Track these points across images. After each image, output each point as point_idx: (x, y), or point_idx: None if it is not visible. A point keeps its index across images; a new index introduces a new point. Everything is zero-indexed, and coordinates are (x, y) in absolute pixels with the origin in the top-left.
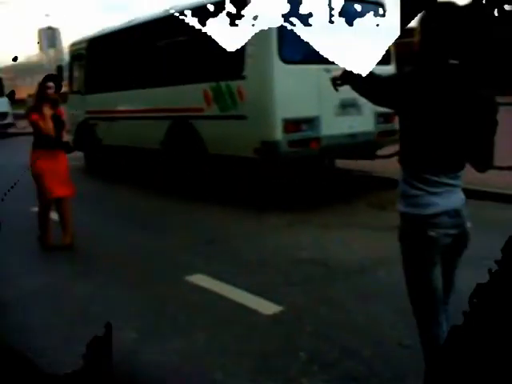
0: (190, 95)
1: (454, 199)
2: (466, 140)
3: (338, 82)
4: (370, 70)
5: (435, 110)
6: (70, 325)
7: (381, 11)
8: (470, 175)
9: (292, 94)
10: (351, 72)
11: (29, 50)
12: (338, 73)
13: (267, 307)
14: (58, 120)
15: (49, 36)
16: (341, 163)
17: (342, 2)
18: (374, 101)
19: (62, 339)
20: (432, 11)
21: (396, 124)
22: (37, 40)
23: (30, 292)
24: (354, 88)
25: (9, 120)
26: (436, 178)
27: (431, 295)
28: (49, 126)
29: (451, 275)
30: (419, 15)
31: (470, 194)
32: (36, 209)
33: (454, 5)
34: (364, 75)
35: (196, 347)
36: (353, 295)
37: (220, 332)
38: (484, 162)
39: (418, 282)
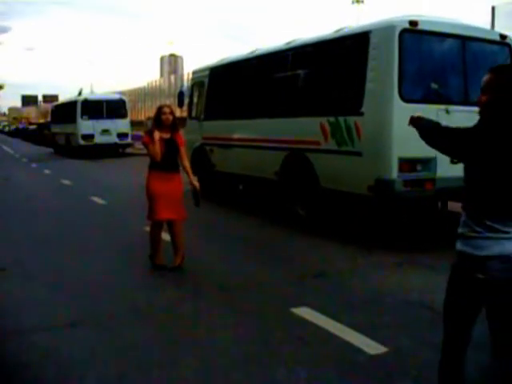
0: (307, 128)
1: (508, 246)
2: None
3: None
4: (437, 121)
5: (502, 162)
6: (174, 344)
7: (507, 51)
8: None
9: (410, 133)
10: (422, 119)
11: (151, 75)
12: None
13: (372, 347)
14: (171, 144)
15: (171, 62)
16: (454, 206)
17: (466, 41)
18: (441, 150)
19: (167, 359)
20: (499, 74)
21: None
22: (159, 66)
23: (133, 308)
24: (421, 136)
25: (129, 140)
26: (495, 225)
27: (462, 334)
28: (156, 149)
29: (495, 324)
30: (485, 77)
31: None
32: (148, 228)
33: None
34: (432, 126)
35: (298, 380)
36: None
37: (322, 367)
38: None
39: (454, 316)
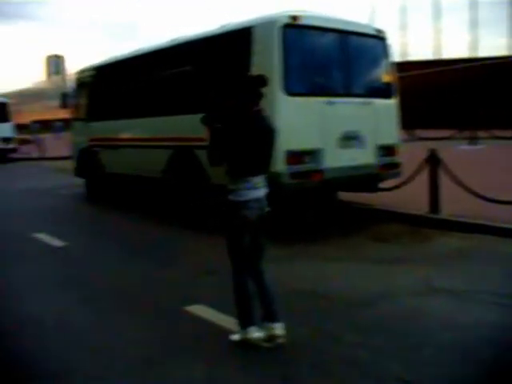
0: (193, 125)
1: (259, 191)
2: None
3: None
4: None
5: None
6: (67, 352)
7: (382, 45)
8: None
9: (295, 126)
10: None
11: (36, 76)
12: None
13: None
14: None
15: (54, 63)
16: (343, 195)
17: (346, 36)
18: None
19: (62, 367)
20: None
21: (399, 157)
22: (44, 67)
23: (33, 319)
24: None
25: (12, 145)
26: (251, 178)
27: (241, 253)
28: None
29: (258, 242)
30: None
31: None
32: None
33: None
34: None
35: (196, 378)
36: (354, 329)
37: (220, 363)
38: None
39: (234, 245)
